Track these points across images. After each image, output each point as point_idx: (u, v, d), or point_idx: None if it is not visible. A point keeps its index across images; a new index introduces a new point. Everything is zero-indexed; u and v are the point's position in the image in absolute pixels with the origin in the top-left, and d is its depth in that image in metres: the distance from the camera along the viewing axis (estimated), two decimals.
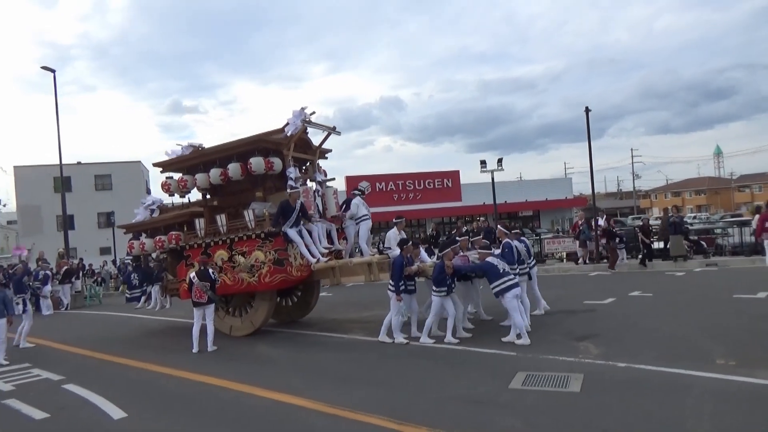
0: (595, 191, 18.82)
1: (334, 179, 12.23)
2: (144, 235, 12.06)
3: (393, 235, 10.34)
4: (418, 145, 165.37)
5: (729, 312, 9.20)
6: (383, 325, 9.05)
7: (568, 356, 7.07)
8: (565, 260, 17.88)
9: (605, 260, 16.82)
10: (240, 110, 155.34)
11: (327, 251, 10.71)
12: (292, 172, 10.62)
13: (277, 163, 10.47)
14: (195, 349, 9.38)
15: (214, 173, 10.69)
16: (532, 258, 10.16)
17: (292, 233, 10.06)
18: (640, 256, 16.55)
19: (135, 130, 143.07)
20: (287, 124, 10.70)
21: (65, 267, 20.08)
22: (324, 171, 12.11)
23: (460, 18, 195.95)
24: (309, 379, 7.21)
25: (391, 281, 8.94)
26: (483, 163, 21.91)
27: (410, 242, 9.37)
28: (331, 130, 11.45)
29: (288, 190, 10.38)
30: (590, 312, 10.10)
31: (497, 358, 7.39)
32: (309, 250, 10.32)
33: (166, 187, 11.49)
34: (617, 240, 16.34)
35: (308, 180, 11.62)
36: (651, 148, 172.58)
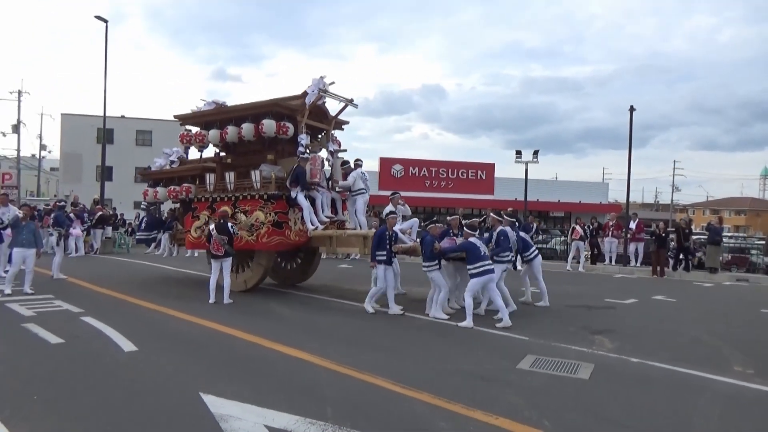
0: (633, 201, 18.52)
1: (345, 150, 12.34)
2: (161, 183, 12.45)
3: (388, 211, 10.46)
4: (455, 135, 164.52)
5: (754, 324, 8.92)
6: (388, 299, 9.18)
7: (581, 346, 6.95)
8: (590, 260, 17.61)
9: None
10: (283, 84, 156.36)
11: (329, 220, 10.87)
12: (304, 138, 10.83)
13: (290, 128, 10.61)
14: (212, 300, 9.53)
15: (232, 131, 10.91)
16: (532, 248, 10.12)
17: (301, 198, 10.30)
18: (672, 263, 16.12)
19: (181, 92, 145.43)
20: (306, 92, 10.81)
21: (99, 213, 20.61)
22: (338, 142, 12.23)
23: (515, 11, 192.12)
24: (318, 338, 7.25)
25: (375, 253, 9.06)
26: (518, 153, 21.55)
27: (393, 214, 9.68)
28: (348, 102, 11.50)
29: (297, 156, 10.56)
30: (610, 309, 9.91)
31: (508, 341, 7.32)
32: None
33: (186, 139, 11.82)
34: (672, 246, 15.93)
35: (321, 148, 11.83)
36: (694, 162, 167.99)
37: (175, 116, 12.23)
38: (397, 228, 9.50)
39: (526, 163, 21.14)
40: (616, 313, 9.55)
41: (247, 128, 10.69)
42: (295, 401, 4.73)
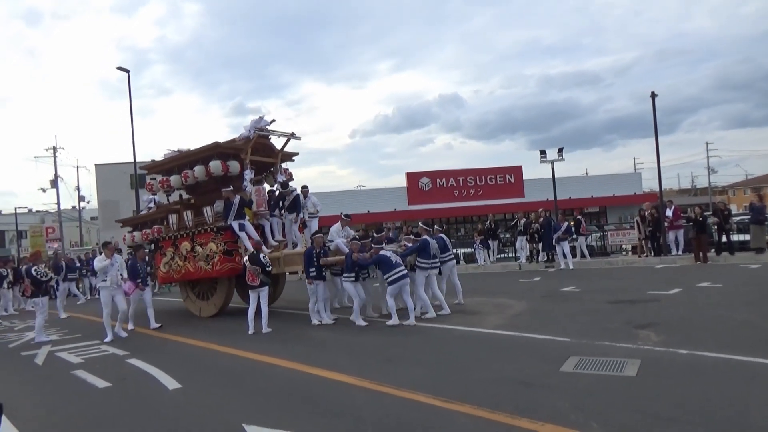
0: (668, 188, 18.06)
1: (293, 179, 13.29)
2: (138, 228, 13.49)
3: (336, 229, 11.53)
4: (479, 142, 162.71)
5: None
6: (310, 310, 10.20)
7: (626, 343, 6.76)
8: (630, 253, 17.18)
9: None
10: (306, 110, 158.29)
11: (278, 243, 11.87)
12: (248, 173, 11.86)
13: (233, 165, 11.62)
14: (251, 331, 9.64)
15: (190, 174, 11.92)
16: (450, 252, 10.72)
17: (234, 226, 11.20)
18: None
19: (208, 130, 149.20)
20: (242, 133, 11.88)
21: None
22: (289, 173, 13.19)
23: (528, 10, 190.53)
24: (356, 359, 7.26)
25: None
26: (543, 153, 21.23)
27: (319, 234, 10.76)
28: (290, 136, 12.56)
29: (224, 189, 11.37)
30: (654, 302, 9.61)
31: (549, 344, 7.16)
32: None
33: (149, 187, 13.09)
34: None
35: (275, 180, 12.84)
36: (728, 141, 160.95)
37: (141, 168, 13.78)
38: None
39: (552, 162, 20.80)
40: (660, 305, 9.27)
41: (198, 170, 11.73)
42: (336, 425, 4.73)
